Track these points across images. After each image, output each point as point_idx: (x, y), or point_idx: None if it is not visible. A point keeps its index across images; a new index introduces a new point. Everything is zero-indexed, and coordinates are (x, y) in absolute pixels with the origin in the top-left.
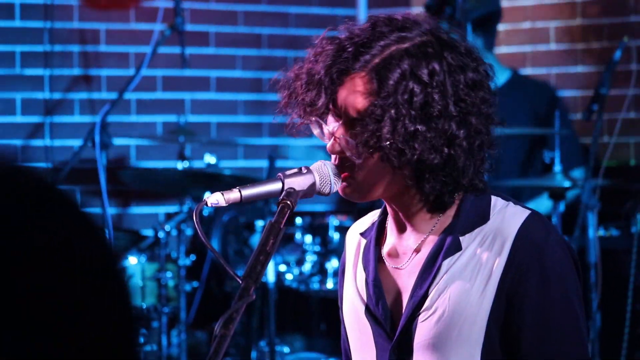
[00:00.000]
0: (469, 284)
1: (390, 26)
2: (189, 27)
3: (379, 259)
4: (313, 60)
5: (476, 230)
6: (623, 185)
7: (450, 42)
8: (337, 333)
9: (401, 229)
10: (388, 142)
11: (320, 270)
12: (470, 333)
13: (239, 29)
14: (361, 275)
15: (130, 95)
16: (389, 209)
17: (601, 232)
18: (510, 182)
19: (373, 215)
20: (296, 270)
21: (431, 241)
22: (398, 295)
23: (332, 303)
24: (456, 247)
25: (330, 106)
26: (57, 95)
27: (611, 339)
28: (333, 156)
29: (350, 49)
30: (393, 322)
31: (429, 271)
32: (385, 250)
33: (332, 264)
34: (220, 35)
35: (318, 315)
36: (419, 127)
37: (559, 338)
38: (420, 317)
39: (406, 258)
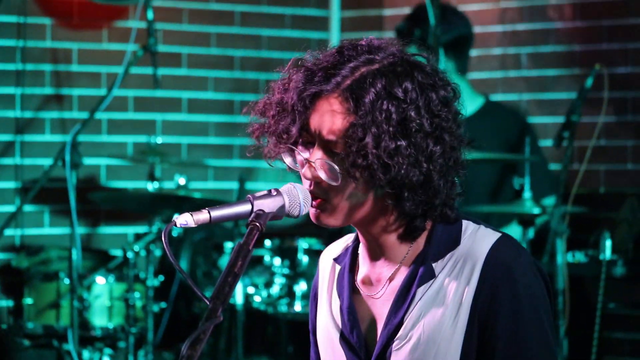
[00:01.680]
0: (441, 310)
1: (356, 50)
2: (162, 47)
3: (353, 287)
4: (282, 90)
5: (448, 256)
6: (592, 212)
7: (417, 62)
8: (305, 356)
9: (374, 257)
10: (375, 159)
11: (288, 292)
12: (445, 358)
13: (211, 51)
14: (336, 301)
15: (101, 115)
16: (361, 238)
17: (569, 259)
18: (480, 208)
19: (346, 240)
20: (264, 293)
21: (404, 269)
22: (372, 323)
23: (300, 326)
24: (430, 274)
25: (303, 133)
26: (28, 114)
27: None
28: (306, 182)
29: (319, 74)
30: (367, 349)
31: (402, 300)
32: (359, 277)
33: (301, 286)
34: (193, 57)
35: (286, 337)
36: (400, 142)
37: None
38: (395, 346)
39: (380, 286)
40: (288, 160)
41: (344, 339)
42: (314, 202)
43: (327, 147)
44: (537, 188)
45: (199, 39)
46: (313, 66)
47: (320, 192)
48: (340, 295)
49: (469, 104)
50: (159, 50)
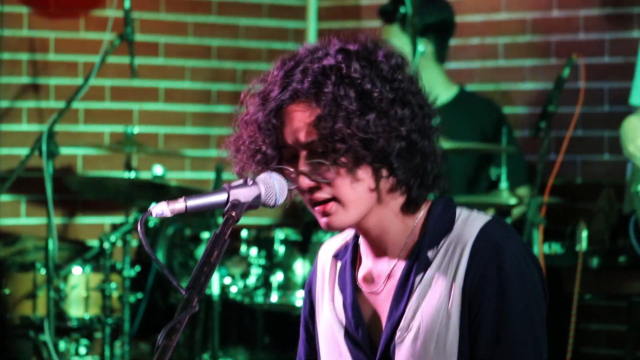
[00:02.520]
0: (437, 296)
1: (296, 57)
2: (139, 37)
3: (355, 283)
4: (246, 122)
5: (442, 242)
6: (569, 203)
7: (356, 46)
8: (281, 347)
9: (375, 253)
10: (352, 139)
11: (264, 283)
12: (446, 344)
13: (188, 40)
14: (338, 298)
15: (78, 105)
16: (362, 235)
17: (546, 250)
18: (456, 198)
19: (345, 237)
20: (241, 283)
21: (402, 262)
22: (376, 319)
23: (276, 317)
24: (426, 264)
25: (283, 151)
26: (4, 104)
27: (555, 358)
28: (308, 194)
29: (274, 89)
30: (372, 345)
31: (402, 291)
32: (360, 274)
33: (277, 277)
34: (170, 46)
35: (262, 328)
36: (369, 116)
37: (516, 343)
38: (397, 338)
39: (381, 282)
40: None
41: (348, 335)
42: (325, 208)
43: (311, 151)
44: (511, 178)
45: (176, 28)
46: (265, 87)
47: (326, 194)
48: (342, 291)
49: (443, 93)
50: (135, 40)
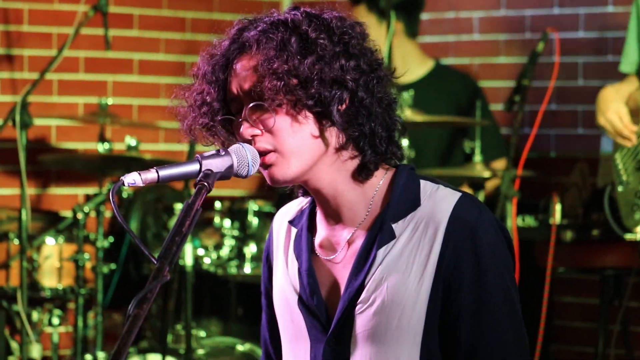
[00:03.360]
0: (405, 273)
1: (256, 18)
2: (113, 9)
3: (312, 250)
4: (194, 75)
5: (409, 217)
6: (543, 177)
7: (317, 9)
8: (255, 318)
9: (332, 219)
10: (288, 76)
11: (238, 254)
12: (410, 322)
13: (162, 12)
14: (293, 264)
15: (52, 76)
16: (317, 202)
17: (519, 223)
18: (430, 171)
19: (300, 203)
20: (214, 255)
21: (363, 231)
22: (332, 286)
23: (249, 288)
24: (390, 236)
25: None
26: None
27: (527, 330)
28: (252, 142)
29: (224, 44)
30: (328, 313)
31: (363, 262)
32: (317, 241)
33: (251, 248)
34: (144, 18)
35: (235, 300)
36: (307, 59)
37: (495, 318)
38: (358, 309)
39: (339, 249)
40: (223, 136)
41: (302, 302)
42: (265, 160)
43: (252, 97)
44: (487, 151)
45: (150, 0)
46: (215, 48)
47: (267, 144)
48: (298, 258)
49: (418, 68)
50: (110, 12)
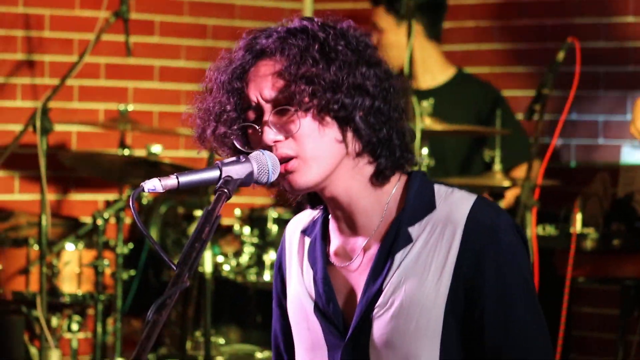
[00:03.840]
0: (423, 275)
1: (266, 29)
2: (134, 15)
3: (326, 258)
4: (210, 86)
5: (424, 220)
6: (563, 186)
7: (326, 20)
8: None
9: (346, 228)
10: (320, 78)
11: (257, 262)
12: (428, 325)
13: (184, 19)
14: (308, 273)
15: (72, 82)
16: (331, 211)
17: (539, 232)
18: (450, 180)
19: (311, 213)
20: (233, 262)
21: (379, 237)
22: (349, 293)
23: (269, 295)
24: (407, 239)
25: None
26: None
27: None
28: (273, 148)
29: (239, 53)
30: (344, 320)
31: (381, 267)
32: (331, 249)
33: (270, 256)
34: (165, 25)
35: (254, 307)
36: (334, 64)
37: (520, 318)
38: (376, 313)
39: (355, 256)
40: (240, 145)
41: (318, 310)
42: (286, 167)
43: (275, 103)
44: (511, 157)
45: (172, 6)
46: (232, 52)
47: (289, 150)
48: (313, 266)
49: (440, 74)
50: (131, 18)
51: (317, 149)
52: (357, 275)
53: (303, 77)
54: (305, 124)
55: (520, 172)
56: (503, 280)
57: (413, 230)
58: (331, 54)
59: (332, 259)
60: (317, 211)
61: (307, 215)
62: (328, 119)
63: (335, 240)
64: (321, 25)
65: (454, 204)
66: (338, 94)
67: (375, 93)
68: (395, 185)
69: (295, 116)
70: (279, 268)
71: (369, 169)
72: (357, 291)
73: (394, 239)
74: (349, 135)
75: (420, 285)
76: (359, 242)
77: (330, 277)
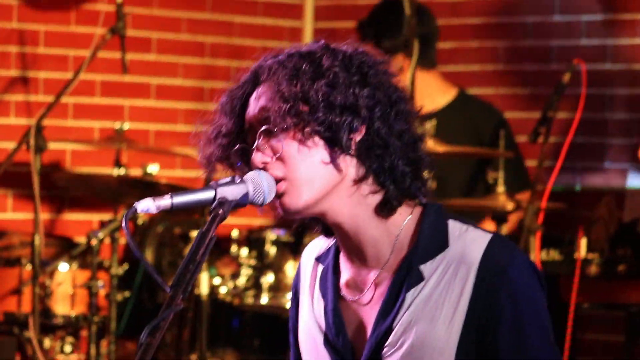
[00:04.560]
0: (435, 316)
1: (277, 50)
2: (131, 32)
3: (337, 289)
4: (215, 109)
5: (437, 258)
6: (568, 210)
7: (337, 44)
8: (271, 349)
9: (356, 259)
10: (294, 98)
11: (255, 284)
12: None
13: (181, 37)
14: (319, 303)
15: (67, 99)
16: (339, 240)
17: (543, 256)
18: (452, 202)
19: (328, 240)
20: (230, 284)
21: (390, 271)
22: (359, 327)
23: (266, 318)
24: (418, 278)
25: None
26: None
27: None
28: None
29: (244, 76)
30: (354, 354)
31: (391, 304)
32: (342, 280)
33: (268, 278)
34: (162, 42)
35: (251, 330)
36: (316, 83)
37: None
38: (385, 352)
39: (366, 290)
40: (241, 167)
41: (328, 342)
42: (277, 187)
43: (262, 124)
44: (512, 183)
45: (169, 24)
46: (235, 85)
47: (278, 172)
48: (324, 296)
49: (440, 98)
50: (127, 35)
51: (306, 171)
52: (368, 309)
53: (281, 96)
54: (287, 144)
55: (521, 199)
56: (518, 324)
57: (425, 268)
58: (321, 72)
59: (343, 291)
60: (333, 238)
61: (322, 242)
62: (314, 139)
63: (346, 272)
64: (325, 46)
65: (469, 243)
66: (319, 113)
67: (369, 115)
68: (407, 217)
69: (279, 137)
70: (295, 295)
71: (375, 198)
72: (367, 325)
73: (405, 276)
74: (346, 159)
75: (431, 327)
76: (370, 274)
77: (341, 309)
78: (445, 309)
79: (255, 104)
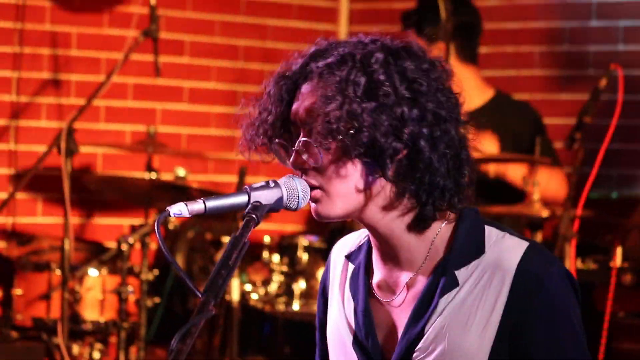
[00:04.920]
0: (467, 323)
1: (331, 40)
2: (164, 35)
3: (369, 290)
4: (261, 95)
5: (472, 264)
6: (604, 217)
7: (389, 41)
8: (303, 357)
9: (388, 261)
10: (339, 122)
11: (286, 291)
12: None
13: (214, 39)
14: (349, 302)
15: (99, 102)
16: (372, 240)
17: (578, 265)
18: (488, 209)
19: (359, 236)
20: (262, 290)
21: (424, 276)
22: (389, 329)
23: (298, 326)
24: (453, 283)
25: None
26: (24, 99)
27: None
28: (301, 174)
29: (294, 66)
30: (383, 356)
31: (424, 309)
32: (374, 281)
33: (300, 285)
34: (196, 45)
35: (283, 338)
36: (365, 105)
37: None
38: (415, 356)
39: (398, 292)
40: (279, 158)
41: (357, 343)
42: (312, 194)
43: (307, 131)
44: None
45: (203, 26)
46: (284, 70)
47: (314, 180)
48: (354, 296)
49: (477, 97)
50: (160, 37)
51: (341, 187)
52: (399, 312)
53: (327, 116)
54: (327, 161)
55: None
56: (553, 334)
57: (460, 273)
58: (372, 91)
59: (375, 291)
60: (364, 234)
61: (354, 239)
62: (353, 160)
63: (379, 272)
64: (383, 50)
65: (505, 250)
66: (364, 139)
67: (414, 138)
68: (443, 222)
69: (319, 150)
70: (323, 291)
71: (410, 215)
72: (398, 328)
73: (439, 281)
74: (379, 180)
75: (464, 334)
76: (403, 277)
77: (371, 310)
78: (478, 316)
79: (302, 105)
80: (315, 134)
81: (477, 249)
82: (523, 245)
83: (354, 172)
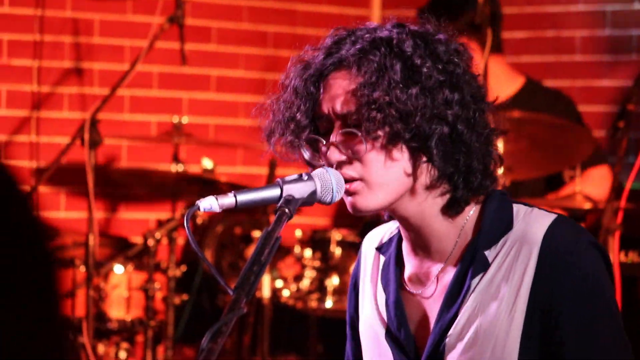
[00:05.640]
0: (497, 300)
1: (352, 28)
2: (190, 21)
3: (400, 282)
4: (285, 86)
5: (501, 241)
6: None
7: (421, 27)
8: (336, 356)
9: (420, 252)
10: (389, 108)
11: (319, 287)
12: (503, 352)
13: (242, 26)
14: (381, 295)
15: (123, 92)
16: (403, 232)
17: (622, 258)
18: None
19: (390, 228)
20: (293, 287)
21: (454, 262)
22: (421, 320)
23: (330, 323)
24: (484, 265)
25: (320, 122)
26: (45, 89)
27: None
28: (337, 167)
29: (319, 56)
30: (416, 347)
31: (456, 294)
32: (406, 273)
33: (333, 281)
34: (223, 32)
35: (315, 335)
36: (411, 90)
37: (604, 346)
38: (449, 342)
39: (429, 283)
40: (308, 155)
41: (390, 335)
42: (349, 187)
43: (345, 121)
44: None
45: (230, 12)
46: (312, 55)
47: (353, 172)
48: (385, 289)
49: (507, 86)
50: (186, 24)
51: (384, 176)
52: (431, 303)
53: (375, 103)
54: (373, 151)
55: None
56: (583, 305)
57: (489, 253)
58: (413, 75)
59: (406, 283)
60: (395, 226)
61: (384, 231)
62: (400, 146)
63: (409, 264)
64: (410, 36)
65: (531, 222)
66: (413, 123)
67: (456, 121)
68: (472, 207)
69: (363, 140)
70: (354, 286)
71: (444, 198)
72: (430, 318)
73: (470, 264)
74: (422, 165)
75: (494, 313)
76: (434, 268)
77: (403, 302)
78: (508, 292)
79: (339, 96)
80: (364, 122)
81: (506, 226)
82: (550, 217)
83: (401, 158)
